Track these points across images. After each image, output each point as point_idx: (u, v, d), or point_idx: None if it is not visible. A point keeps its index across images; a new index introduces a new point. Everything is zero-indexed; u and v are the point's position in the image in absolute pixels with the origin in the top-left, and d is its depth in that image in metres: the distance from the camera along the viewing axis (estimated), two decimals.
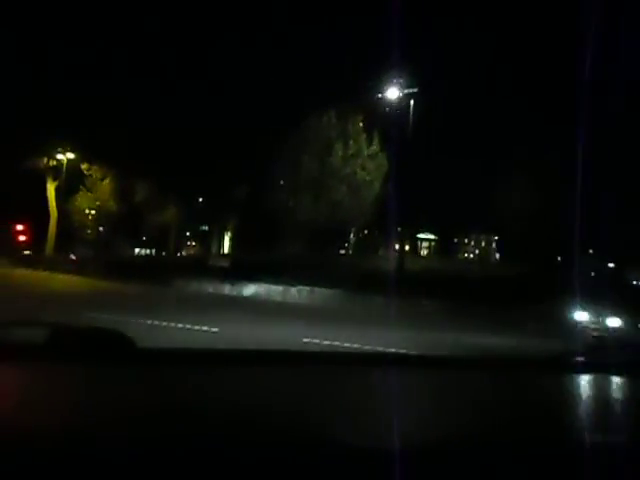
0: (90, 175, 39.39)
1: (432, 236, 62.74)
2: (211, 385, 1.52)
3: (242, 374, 1.65)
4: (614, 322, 12.67)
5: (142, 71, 33.85)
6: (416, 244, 59.08)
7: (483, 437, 1.15)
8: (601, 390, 1.82)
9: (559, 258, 35.63)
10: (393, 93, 22.27)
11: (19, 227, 50.55)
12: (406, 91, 21.60)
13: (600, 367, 1.99)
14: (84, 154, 36.66)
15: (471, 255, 65.04)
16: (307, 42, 39.18)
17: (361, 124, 30.36)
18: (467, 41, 30.50)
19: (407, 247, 36.59)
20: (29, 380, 1.43)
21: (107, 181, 39.82)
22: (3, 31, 31.01)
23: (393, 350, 6.68)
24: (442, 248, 61.36)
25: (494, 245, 61.99)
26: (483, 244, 65.93)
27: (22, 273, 24.88)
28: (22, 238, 51.20)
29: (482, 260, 53.82)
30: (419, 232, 57.17)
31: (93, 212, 40.67)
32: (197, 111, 31.95)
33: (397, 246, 49.09)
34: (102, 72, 32.76)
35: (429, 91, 23.22)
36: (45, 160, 36.98)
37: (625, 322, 12.62)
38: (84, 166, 38.59)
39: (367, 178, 30.59)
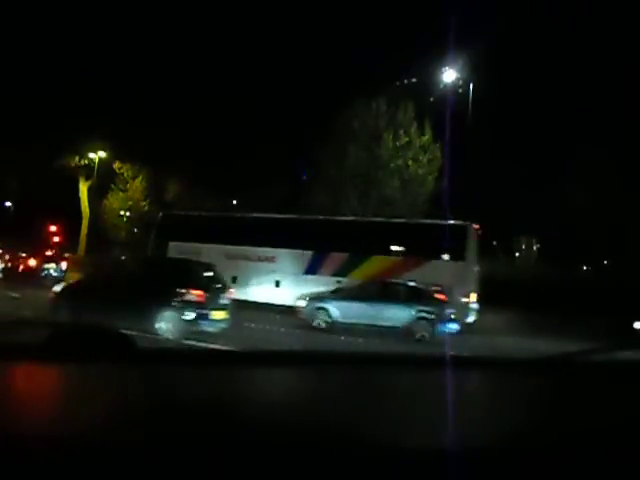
0: (122, 174, 38.77)
1: None
2: (211, 385, 1.52)
3: (243, 374, 1.64)
4: None
5: (174, 67, 33.02)
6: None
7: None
8: None
9: (605, 262, 33.82)
10: (449, 76, 20.39)
11: (52, 228, 50.42)
12: (462, 75, 19.79)
13: None
14: (116, 152, 35.92)
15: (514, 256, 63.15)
16: (354, 24, 36.88)
17: (412, 112, 27.75)
18: (522, 32, 28.32)
19: None
20: (29, 380, 1.43)
21: (139, 180, 39.22)
22: (35, 29, 30.72)
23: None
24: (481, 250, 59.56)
25: (535, 248, 60.53)
26: (524, 246, 64.46)
27: None
28: (56, 239, 51.10)
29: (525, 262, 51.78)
30: None
31: (128, 214, 40.15)
32: (231, 104, 30.82)
33: None
34: (134, 69, 32.18)
35: (484, 80, 21.31)
36: (77, 159, 36.43)
37: None
38: (116, 165, 37.97)
39: (420, 172, 27.95)
